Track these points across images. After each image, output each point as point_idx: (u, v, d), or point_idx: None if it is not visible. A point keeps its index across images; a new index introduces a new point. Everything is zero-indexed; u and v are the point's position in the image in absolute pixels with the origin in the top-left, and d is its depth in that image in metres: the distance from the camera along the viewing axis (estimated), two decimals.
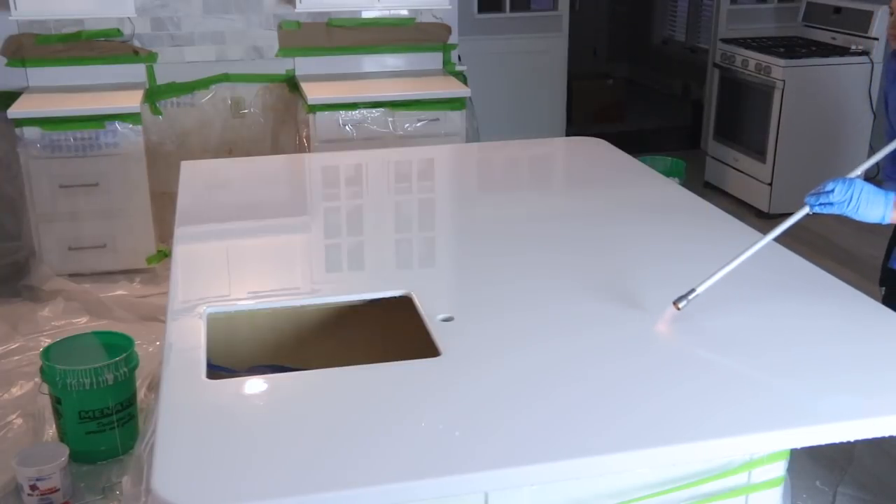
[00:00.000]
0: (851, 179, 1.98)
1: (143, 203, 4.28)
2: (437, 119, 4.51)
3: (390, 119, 4.46)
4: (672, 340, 1.87)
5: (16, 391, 3.36)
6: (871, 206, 1.96)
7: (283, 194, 3.02)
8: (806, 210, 2.00)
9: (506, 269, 2.26)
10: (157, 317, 3.86)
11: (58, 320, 3.91)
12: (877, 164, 2.11)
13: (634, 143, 4.75)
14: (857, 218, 1.98)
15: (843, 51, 5.28)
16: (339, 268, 2.39)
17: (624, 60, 8.91)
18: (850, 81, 5.18)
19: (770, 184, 5.21)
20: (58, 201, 4.16)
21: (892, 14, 2.42)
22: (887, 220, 1.98)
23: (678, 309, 1.93)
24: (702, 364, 1.77)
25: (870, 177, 2.24)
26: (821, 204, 1.98)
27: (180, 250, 2.38)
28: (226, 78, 4.72)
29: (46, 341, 3.56)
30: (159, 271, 4.31)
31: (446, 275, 2.34)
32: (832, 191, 1.96)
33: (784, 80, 5.07)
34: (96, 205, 4.21)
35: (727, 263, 1.97)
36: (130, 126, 4.16)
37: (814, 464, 2.93)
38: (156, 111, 4.64)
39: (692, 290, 1.94)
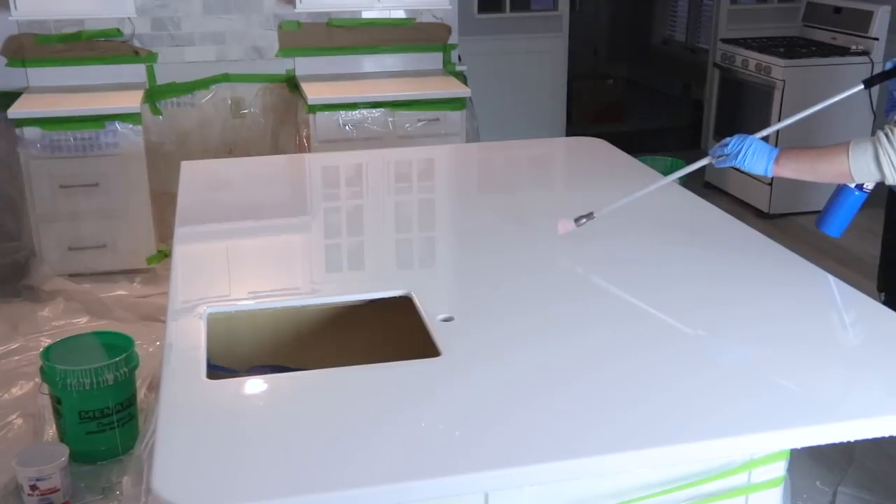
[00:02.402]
0: (746, 135, 2.17)
1: (143, 203, 4.28)
2: (437, 119, 4.51)
3: (390, 119, 4.46)
4: (671, 341, 1.87)
5: (16, 391, 3.36)
6: (757, 159, 2.13)
7: (283, 194, 3.02)
8: (707, 160, 2.26)
9: (506, 268, 2.26)
10: (157, 317, 3.86)
11: (58, 320, 3.91)
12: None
13: (634, 143, 4.76)
14: (745, 169, 2.15)
15: (843, 51, 5.28)
16: (339, 268, 2.39)
17: (624, 60, 8.91)
18: (850, 81, 5.10)
19: (770, 184, 5.21)
20: (58, 201, 4.16)
21: None
22: (770, 173, 2.13)
23: (577, 226, 2.34)
24: (702, 363, 1.77)
25: None
26: (718, 156, 2.21)
27: (180, 250, 2.38)
28: (226, 78, 4.72)
29: (46, 341, 3.56)
30: (159, 271, 4.31)
31: (446, 275, 2.34)
32: (728, 144, 2.18)
33: (784, 80, 5.07)
34: (96, 205, 4.21)
35: (630, 194, 2.37)
36: (130, 126, 4.16)
37: (814, 464, 2.93)
38: (156, 111, 4.63)
39: (591, 214, 2.33)
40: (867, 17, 5.20)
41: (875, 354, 1.83)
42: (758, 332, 1.91)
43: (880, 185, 2.21)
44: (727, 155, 2.18)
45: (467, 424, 1.56)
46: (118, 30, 4.51)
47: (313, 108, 4.36)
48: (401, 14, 4.85)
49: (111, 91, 4.41)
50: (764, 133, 2.24)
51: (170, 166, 3.99)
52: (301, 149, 4.56)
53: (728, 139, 2.20)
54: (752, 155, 2.14)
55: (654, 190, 2.45)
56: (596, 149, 3.37)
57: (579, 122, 7.05)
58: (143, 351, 3.26)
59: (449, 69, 4.97)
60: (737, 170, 2.22)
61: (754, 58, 5.32)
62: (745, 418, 1.58)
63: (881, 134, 2.03)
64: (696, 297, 2.08)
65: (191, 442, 1.53)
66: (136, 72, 4.58)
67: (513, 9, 6.09)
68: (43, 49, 4.44)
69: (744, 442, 1.56)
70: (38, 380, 3.15)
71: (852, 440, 1.57)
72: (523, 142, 3.79)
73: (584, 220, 2.34)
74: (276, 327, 2.16)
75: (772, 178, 5.18)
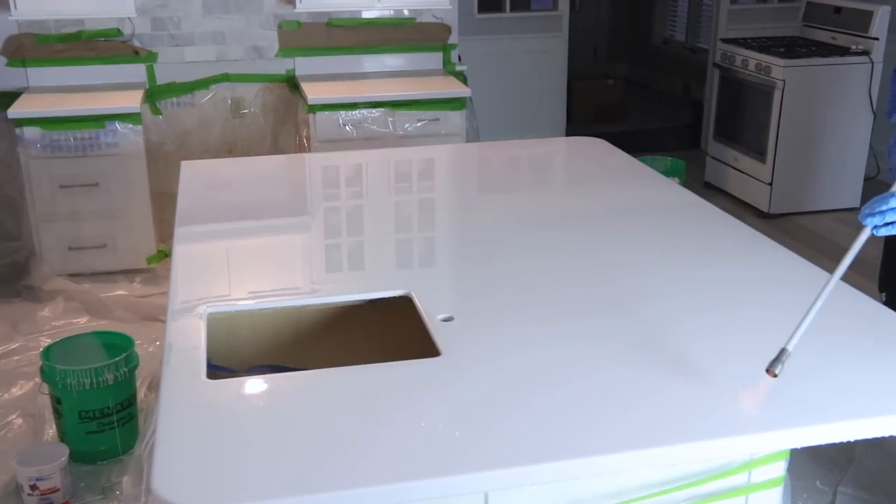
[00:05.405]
0: None
1: (143, 203, 4.28)
2: (437, 119, 4.51)
3: (390, 119, 4.46)
4: (671, 341, 1.87)
5: (16, 391, 3.36)
6: None
7: (283, 194, 3.02)
8: (868, 233, 1.75)
9: (506, 268, 2.26)
10: (157, 317, 3.87)
11: (58, 320, 3.91)
12: (876, 163, 2.09)
13: (634, 143, 4.76)
14: None
15: (843, 51, 5.28)
16: (339, 268, 2.39)
17: (624, 60, 8.91)
18: (850, 81, 5.18)
19: (770, 184, 5.21)
20: (58, 201, 4.16)
21: None
22: None
23: (775, 376, 1.65)
24: (702, 364, 1.77)
25: (870, 176, 2.21)
26: (888, 224, 1.73)
27: (180, 250, 2.38)
28: (226, 78, 4.72)
29: (46, 341, 3.56)
30: (159, 271, 4.31)
31: (446, 275, 2.34)
32: None
33: (784, 80, 5.07)
34: (96, 205, 4.21)
35: (807, 313, 1.72)
36: (130, 126, 4.16)
37: (814, 464, 2.93)
38: (156, 111, 4.64)
39: (784, 351, 1.67)
40: (867, 17, 5.20)
41: (875, 354, 1.83)
42: (758, 332, 1.91)
43: None
44: None
45: (467, 424, 1.56)
46: (118, 30, 4.51)
47: (313, 108, 4.36)
48: (401, 14, 4.85)
49: (111, 91, 4.41)
50: None
51: (170, 166, 3.99)
52: (301, 149, 4.56)
53: (892, 199, 1.71)
54: None
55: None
56: (596, 149, 3.38)
57: (579, 122, 7.05)
58: (143, 351, 3.26)
59: (449, 69, 4.97)
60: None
61: (754, 58, 5.32)
62: (745, 418, 1.58)
63: None
64: (695, 299, 2.08)
65: (191, 442, 1.53)
66: (136, 72, 4.58)
67: (513, 9, 6.10)
68: (43, 49, 4.44)
69: (744, 442, 1.56)
70: (38, 380, 3.15)
71: (852, 440, 1.58)
72: (523, 142, 3.79)
73: (780, 365, 1.66)
74: (276, 327, 2.16)
75: (772, 179, 5.20)
